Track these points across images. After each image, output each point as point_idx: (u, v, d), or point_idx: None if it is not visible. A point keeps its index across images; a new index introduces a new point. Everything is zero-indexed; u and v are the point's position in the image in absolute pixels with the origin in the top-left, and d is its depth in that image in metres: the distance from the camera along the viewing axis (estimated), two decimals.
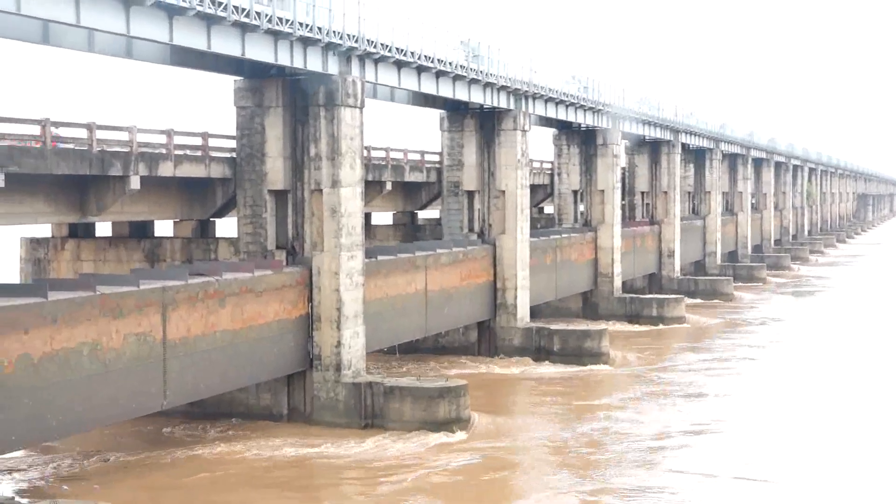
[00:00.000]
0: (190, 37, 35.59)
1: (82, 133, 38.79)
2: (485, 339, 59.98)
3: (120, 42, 37.06)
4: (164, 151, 41.83)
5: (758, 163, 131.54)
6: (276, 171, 43.31)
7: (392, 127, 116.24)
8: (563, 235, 70.91)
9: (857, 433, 43.09)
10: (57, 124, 37.73)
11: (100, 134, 39.25)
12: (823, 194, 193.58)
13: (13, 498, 32.90)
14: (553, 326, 60.00)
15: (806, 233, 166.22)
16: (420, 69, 48.75)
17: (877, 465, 38.38)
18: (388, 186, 60.45)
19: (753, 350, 64.50)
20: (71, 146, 38.13)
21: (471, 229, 59.69)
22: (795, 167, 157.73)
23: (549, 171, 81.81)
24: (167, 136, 42.30)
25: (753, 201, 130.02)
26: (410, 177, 62.84)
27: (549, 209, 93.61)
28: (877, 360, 61.01)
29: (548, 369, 56.40)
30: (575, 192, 76.11)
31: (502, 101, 57.86)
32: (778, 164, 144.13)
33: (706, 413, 46.51)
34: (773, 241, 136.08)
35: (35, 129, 37.02)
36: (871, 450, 40.54)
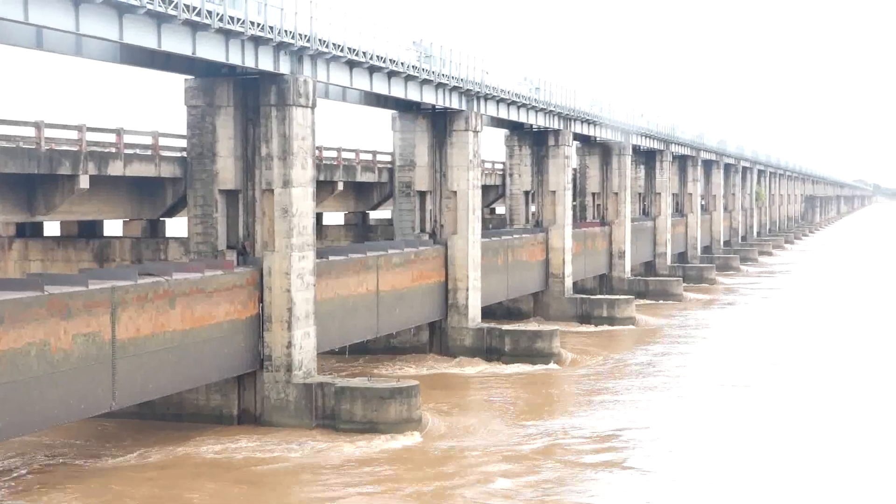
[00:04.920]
0: (140, 35, 35.34)
1: (30, 132, 38.40)
2: (436, 339, 60.03)
3: (69, 40, 36.74)
4: (113, 150, 41.51)
5: (707, 164, 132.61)
6: (226, 170, 43.08)
7: (344, 127, 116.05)
8: (515, 236, 71.13)
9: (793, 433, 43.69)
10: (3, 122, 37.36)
11: (48, 132, 38.88)
12: (772, 196, 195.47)
13: None
14: (504, 327, 60.14)
15: (755, 234, 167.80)
16: (372, 69, 48.71)
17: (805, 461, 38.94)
18: (340, 186, 60.34)
19: (701, 352, 65.00)
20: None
21: (422, 230, 59.71)
22: (745, 169, 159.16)
23: (501, 172, 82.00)
24: (117, 135, 41.99)
25: (703, 203, 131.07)
26: (362, 177, 62.76)
27: (500, 210, 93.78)
28: (818, 361, 61.73)
29: (499, 370, 56.52)
30: (526, 193, 76.38)
31: (454, 102, 57.93)
32: (727, 166, 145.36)
33: (653, 413, 46.84)
34: (722, 243, 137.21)
35: None
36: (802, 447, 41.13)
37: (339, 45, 44.80)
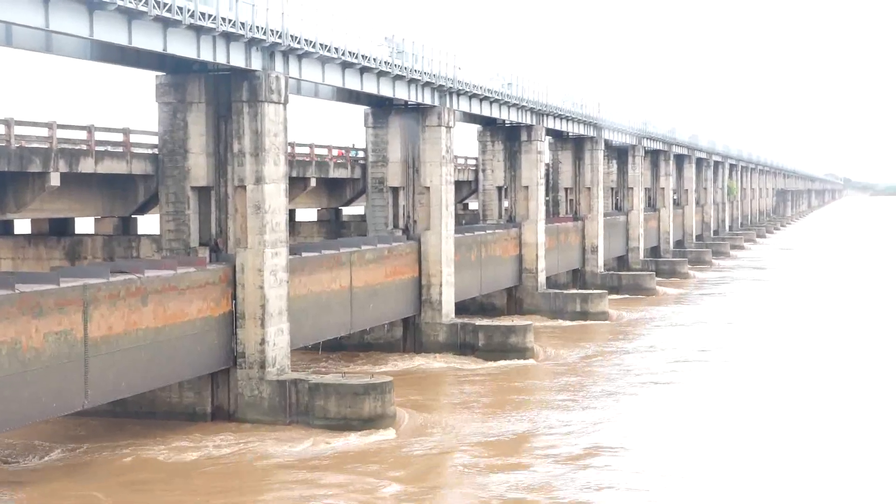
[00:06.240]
0: (110, 31, 35.17)
1: (0, 129, 38.14)
2: (410, 335, 60.03)
3: (39, 36, 36.50)
4: (84, 147, 41.28)
5: (679, 159, 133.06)
6: (199, 167, 42.92)
7: (316, 123, 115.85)
8: (488, 232, 71.22)
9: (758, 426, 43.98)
10: None
11: (18, 130, 38.64)
12: (744, 190, 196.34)
13: None
14: (478, 322, 60.20)
15: (727, 228, 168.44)
16: (344, 65, 48.64)
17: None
18: (313, 183, 60.23)
19: (674, 346, 65.24)
20: None
21: (396, 225, 59.70)
22: (716, 163, 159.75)
23: (474, 168, 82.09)
24: (88, 132, 41.76)
25: (675, 197, 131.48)
26: (335, 173, 62.69)
27: (473, 205, 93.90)
28: (786, 353, 62.15)
29: (473, 365, 56.59)
30: (499, 189, 76.49)
31: (427, 98, 57.92)
32: (699, 161, 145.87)
33: (627, 407, 47.04)
34: (694, 237, 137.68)
35: None
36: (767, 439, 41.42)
37: (311, 41, 44.72)
